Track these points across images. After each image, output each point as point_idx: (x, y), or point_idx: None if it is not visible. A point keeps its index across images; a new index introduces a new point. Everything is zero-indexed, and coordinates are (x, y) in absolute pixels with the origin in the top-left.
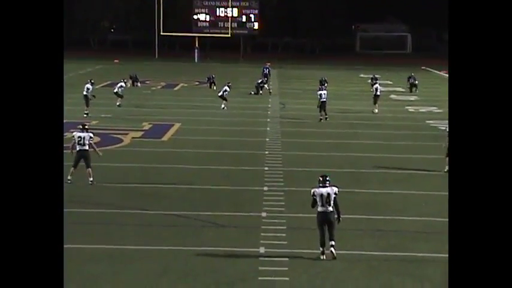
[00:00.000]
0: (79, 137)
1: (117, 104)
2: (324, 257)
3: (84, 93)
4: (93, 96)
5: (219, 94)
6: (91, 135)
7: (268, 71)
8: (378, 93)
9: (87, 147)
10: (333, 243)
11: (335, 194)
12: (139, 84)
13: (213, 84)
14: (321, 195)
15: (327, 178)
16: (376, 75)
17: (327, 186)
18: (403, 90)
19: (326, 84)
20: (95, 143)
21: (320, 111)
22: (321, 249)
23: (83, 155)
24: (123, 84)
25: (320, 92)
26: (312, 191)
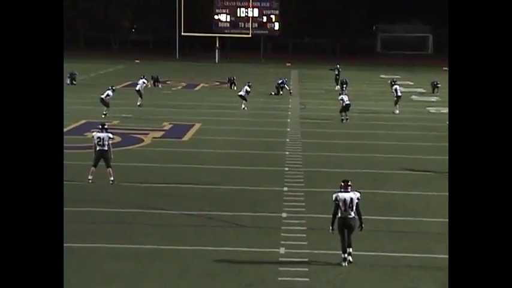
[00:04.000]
0: (98, 137)
1: (138, 104)
2: (346, 264)
3: (102, 96)
4: (104, 101)
5: (239, 93)
6: (110, 135)
7: (338, 71)
8: (399, 93)
9: (106, 148)
10: (351, 250)
11: (358, 199)
12: (160, 85)
13: (233, 84)
14: (344, 200)
15: (349, 183)
16: (395, 78)
17: (349, 191)
18: (424, 91)
19: (346, 86)
20: (115, 143)
21: (341, 112)
22: (343, 255)
23: (102, 155)
24: (144, 81)
25: (341, 96)
26: (334, 196)
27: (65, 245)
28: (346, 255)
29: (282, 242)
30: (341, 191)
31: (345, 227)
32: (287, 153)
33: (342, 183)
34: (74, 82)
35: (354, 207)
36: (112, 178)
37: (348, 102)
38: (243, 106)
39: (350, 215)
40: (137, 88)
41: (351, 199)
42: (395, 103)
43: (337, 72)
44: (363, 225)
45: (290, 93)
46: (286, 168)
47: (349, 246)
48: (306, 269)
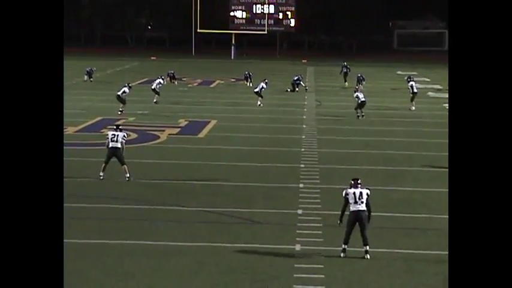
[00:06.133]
0: (113, 134)
1: (154, 101)
2: (344, 255)
3: (118, 93)
4: (121, 98)
5: (255, 90)
6: (125, 134)
7: (347, 69)
8: (415, 90)
9: (119, 145)
10: (368, 248)
11: (367, 194)
12: (176, 82)
13: (249, 80)
14: (354, 193)
15: (359, 181)
16: (412, 75)
17: (358, 188)
18: (440, 87)
19: (362, 82)
20: (131, 139)
21: (356, 109)
22: (343, 246)
23: (114, 153)
24: (161, 80)
25: (357, 93)
26: (344, 192)
27: (81, 241)
28: (346, 247)
29: (298, 239)
30: (351, 188)
31: (357, 220)
32: (303, 149)
33: (352, 181)
34: (91, 79)
35: (364, 200)
36: (128, 175)
37: (363, 99)
38: (258, 103)
39: (361, 206)
40: (153, 87)
41: (361, 192)
42: (412, 99)
43: (345, 70)
44: (370, 220)
45: (306, 89)
46: (302, 165)
47: (366, 244)
48: (322, 266)
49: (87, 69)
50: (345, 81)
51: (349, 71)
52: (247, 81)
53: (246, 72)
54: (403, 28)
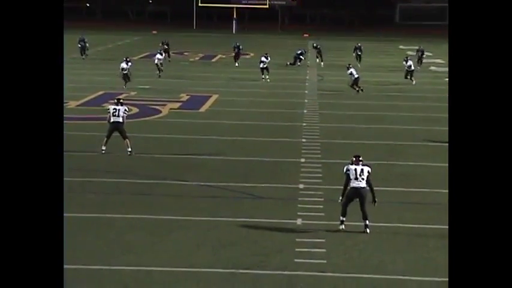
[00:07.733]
0: (114, 108)
1: (158, 74)
2: (343, 227)
3: (124, 72)
4: (127, 76)
5: (261, 67)
6: (126, 108)
7: (320, 50)
8: (412, 68)
9: (121, 119)
10: (367, 222)
11: (368, 172)
12: (165, 46)
13: (237, 58)
14: (355, 169)
15: (360, 158)
16: (421, 48)
17: (359, 165)
18: (442, 61)
19: (360, 54)
20: (133, 114)
21: (352, 86)
22: (341, 218)
23: (116, 127)
24: (159, 56)
25: (350, 70)
26: (345, 167)
27: (81, 215)
28: (344, 219)
29: (299, 213)
30: (352, 164)
31: (356, 195)
32: (304, 124)
33: (354, 158)
34: (86, 54)
35: (365, 177)
36: (129, 149)
37: (356, 75)
38: (264, 76)
39: (361, 183)
40: (155, 62)
41: (362, 169)
42: (410, 76)
43: (317, 51)
44: (376, 199)
45: (307, 65)
46: (304, 140)
47: (365, 218)
48: (323, 240)
49: (79, 39)
50: (321, 60)
51: (312, 51)
52: (235, 60)
53: (236, 45)
54: (406, 2)
